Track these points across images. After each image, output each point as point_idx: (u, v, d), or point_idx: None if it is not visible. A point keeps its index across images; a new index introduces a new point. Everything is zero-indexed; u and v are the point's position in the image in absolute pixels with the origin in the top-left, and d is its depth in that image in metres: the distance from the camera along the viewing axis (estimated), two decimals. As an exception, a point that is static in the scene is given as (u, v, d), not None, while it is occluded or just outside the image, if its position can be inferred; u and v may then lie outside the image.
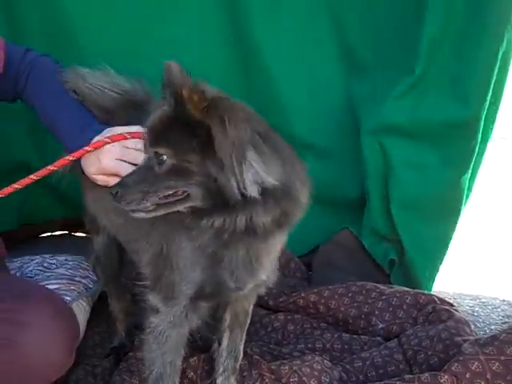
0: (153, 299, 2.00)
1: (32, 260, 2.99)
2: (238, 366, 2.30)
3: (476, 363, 2.16)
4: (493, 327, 3.03)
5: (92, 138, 2.10)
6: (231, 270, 1.87)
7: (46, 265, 2.98)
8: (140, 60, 2.84)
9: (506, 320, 3.11)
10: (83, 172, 2.18)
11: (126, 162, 2.05)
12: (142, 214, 1.74)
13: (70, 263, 3.03)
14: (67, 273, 2.91)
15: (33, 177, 2.05)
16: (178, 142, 1.67)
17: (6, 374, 1.85)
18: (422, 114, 2.94)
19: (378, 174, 3.07)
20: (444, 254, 3.09)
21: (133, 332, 2.73)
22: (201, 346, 2.43)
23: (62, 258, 3.08)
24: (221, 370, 2.28)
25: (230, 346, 2.26)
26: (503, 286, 3.51)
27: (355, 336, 2.75)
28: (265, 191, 1.66)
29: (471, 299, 3.32)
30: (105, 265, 2.58)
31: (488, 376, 2.14)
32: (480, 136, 2.91)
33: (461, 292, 3.38)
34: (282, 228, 1.80)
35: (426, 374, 2.21)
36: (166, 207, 1.73)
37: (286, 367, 2.36)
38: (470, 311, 3.18)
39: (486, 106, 2.87)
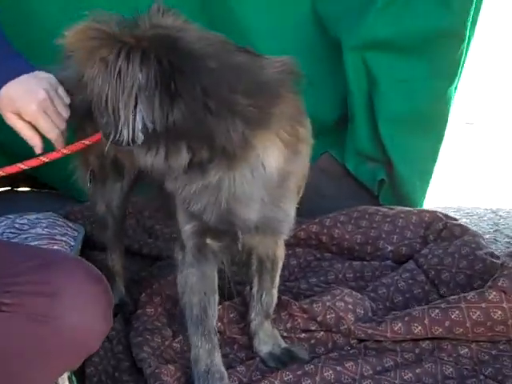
0: (175, 250, 1.93)
1: (-3, 222, 2.68)
2: (271, 311, 2.14)
3: (524, 276, 2.10)
4: (487, 236, 3.02)
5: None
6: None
7: (17, 226, 2.67)
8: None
9: (496, 227, 3.12)
10: None
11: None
12: None
13: (44, 221, 2.73)
14: (44, 232, 2.62)
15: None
16: None
17: (46, 351, 1.62)
18: (407, 25, 2.80)
19: (362, 92, 2.93)
20: (433, 168, 3.03)
21: (132, 289, 2.52)
22: (233, 291, 2.24)
23: (32, 216, 2.77)
24: (252, 314, 2.14)
25: (260, 291, 2.11)
26: (477, 195, 3.51)
27: (365, 263, 2.65)
28: None
29: (455, 211, 3.31)
30: (113, 215, 2.35)
31: (537, 287, 2.08)
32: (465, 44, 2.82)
33: (443, 205, 3.34)
34: None
35: (472, 293, 2.13)
36: None
37: (319, 304, 2.22)
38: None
39: (471, 13, 2.77)
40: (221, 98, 1.51)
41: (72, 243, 2.62)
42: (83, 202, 3.03)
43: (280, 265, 2.12)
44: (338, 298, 2.26)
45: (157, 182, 1.87)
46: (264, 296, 2.11)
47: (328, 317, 2.20)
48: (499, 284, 2.11)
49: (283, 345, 2.14)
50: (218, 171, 1.63)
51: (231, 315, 2.28)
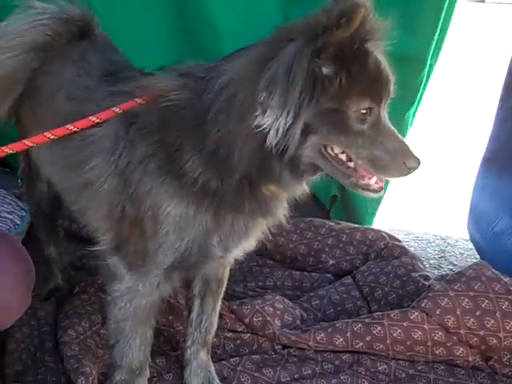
0: (115, 265, 1.74)
1: None
2: (210, 340, 2.05)
3: (446, 299, 2.16)
4: (432, 261, 3.07)
5: None
6: (224, 237, 1.67)
7: (-35, 202, 2.70)
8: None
9: (442, 254, 3.17)
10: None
11: None
12: None
13: (-7, 198, 2.76)
14: (-9, 208, 2.65)
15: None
16: None
17: None
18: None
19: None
20: (385, 189, 3.06)
21: (69, 272, 2.53)
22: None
23: (-19, 192, 2.79)
24: (189, 342, 2.04)
25: (200, 316, 2.02)
26: (431, 220, 3.55)
27: (305, 273, 2.69)
28: None
29: (405, 234, 3.35)
30: (43, 213, 2.33)
31: (458, 312, 2.14)
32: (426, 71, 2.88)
33: (394, 228, 3.38)
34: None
35: (396, 311, 2.19)
36: None
37: (248, 306, 2.27)
38: (406, 246, 3.18)
39: (434, 40, 2.83)
40: None
41: (18, 222, 2.66)
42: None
43: (225, 286, 2.05)
44: (268, 302, 2.30)
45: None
46: (204, 321, 2.01)
47: (255, 319, 2.24)
48: (422, 305, 2.17)
49: (215, 382, 2.02)
50: None
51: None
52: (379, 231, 2.80)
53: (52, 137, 1.73)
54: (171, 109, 1.56)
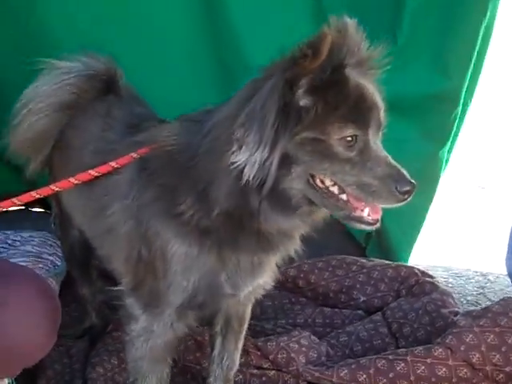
0: (132, 305, 1.81)
1: (-8, 237, 2.82)
2: (231, 376, 2.08)
3: (471, 335, 2.13)
4: (469, 298, 3.03)
5: None
6: (231, 275, 1.70)
7: (9, 242, 2.81)
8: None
9: (481, 291, 3.11)
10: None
11: None
12: None
13: (36, 240, 2.86)
14: (33, 250, 2.75)
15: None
16: None
17: None
18: (402, 87, 2.85)
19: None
20: (421, 226, 3.07)
21: (104, 311, 2.60)
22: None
23: (26, 234, 2.90)
24: (211, 378, 2.07)
25: (222, 354, 2.05)
26: (473, 257, 3.50)
27: (336, 310, 2.70)
28: None
29: (444, 271, 3.32)
30: (76, 256, 2.42)
31: (483, 348, 2.11)
32: (460, 109, 2.87)
33: (433, 264, 3.36)
34: None
35: (420, 348, 2.17)
36: None
37: (274, 343, 2.29)
38: (444, 283, 3.15)
39: (467, 78, 2.83)
40: None
41: (58, 263, 2.74)
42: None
43: (247, 325, 2.07)
44: (294, 339, 2.32)
45: None
46: (225, 359, 2.04)
47: (279, 356, 2.26)
48: (447, 341, 2.15)
49: None
50: None
51: (188, 343, 2.34)
52: (412, 267, 2.79)
53: (75, 182, 1.85)
54: (171, 153, 1.64)
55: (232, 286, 1.71)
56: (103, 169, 1.82)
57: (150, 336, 1.78)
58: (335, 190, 1.51)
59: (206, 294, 1.70)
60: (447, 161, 3.07)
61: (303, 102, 1.46)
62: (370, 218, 1.53)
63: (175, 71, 2.95)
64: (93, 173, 1.83)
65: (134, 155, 1.77)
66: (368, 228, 1.57)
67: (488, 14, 2.70)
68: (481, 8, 2.68)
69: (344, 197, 1.52)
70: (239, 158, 1.45)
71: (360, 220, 1.53)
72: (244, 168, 1.45)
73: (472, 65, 2.80)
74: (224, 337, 2.03)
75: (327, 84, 1.45)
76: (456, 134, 3.01)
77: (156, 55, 2.90)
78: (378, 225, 1.56)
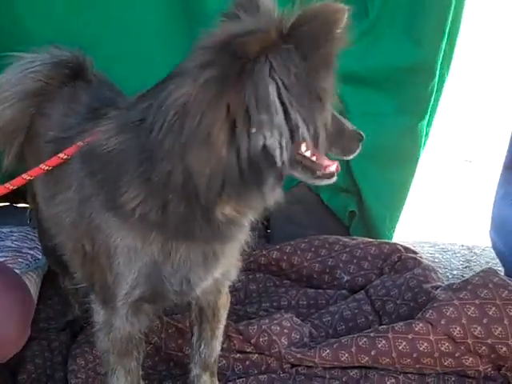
0: (93, 300, 1.82)
1: (-27, 233, 2.81)
2: (211, 363, 2.06)
3: (451, 309, 2.12)
4: (455, 272, 3.02)
5: None
6: (178, 268, 1.64)
7: (-11, 238, 2.81)
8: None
9: (467, 264, 3.10)
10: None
11: None
12: None
13: (16, 234, 2.86)
14: (13, 245, 2.76)
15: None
16: None
17: None
18: (376, 60, 2.83)
19: (334, 124, 2.97)
20: (403, 202, 3.04)
21: (86, 303, 2.58)
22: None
23: (6, 229, 2.91)
24: (191, 364, 2.07)
25: (199, 341, 2.03)
26: (460, 231, 3.49)
27: (320, 291, 2.68)
28: None
29: (430, 246, 3.30)
30: (54, 250, 2.32)
31: (463, 321, 2.09)
32: (436, 80, 2.84)
33: (419, 240, 3.34)
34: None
35: (401, 323, 2.16)
36: None
37: (255, 327, 2.27)
38: (430, 258, 3.15)
39: (442, 48, 2.79)
40: None
41: (39, 257, 2.74)
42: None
43: (223, 315, 2.03)
44: (275, 321, 2.30)
45: None
46: (203, 346, 2.03)
47: (261, 339, 2.25)
48: (427, 316, 2.13)
49: None
50: None
51: (169, 331, 2.32)
52: (395, 244, 2.77)
53: (28, 178, 1.80)
54: (114, 143, 1.57)
55: (181, 279, 1.66)
56: (53, 162, 1.76)
57: (110, 330, 1.77)
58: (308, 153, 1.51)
59: (149, 287, 1.66)
60: (427, 134, 3.03)
61: None
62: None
63: (151, 61, 2.90)
64: (44, 167, 1.77)
65: (80, 144, 1.71)
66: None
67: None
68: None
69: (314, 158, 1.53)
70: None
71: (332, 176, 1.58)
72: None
73: (446, 35, 2.76)
74: (200, 325, 2.02)
75: None
76: (434, 108, 2.97)
77: (132, 46, 2.86)
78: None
